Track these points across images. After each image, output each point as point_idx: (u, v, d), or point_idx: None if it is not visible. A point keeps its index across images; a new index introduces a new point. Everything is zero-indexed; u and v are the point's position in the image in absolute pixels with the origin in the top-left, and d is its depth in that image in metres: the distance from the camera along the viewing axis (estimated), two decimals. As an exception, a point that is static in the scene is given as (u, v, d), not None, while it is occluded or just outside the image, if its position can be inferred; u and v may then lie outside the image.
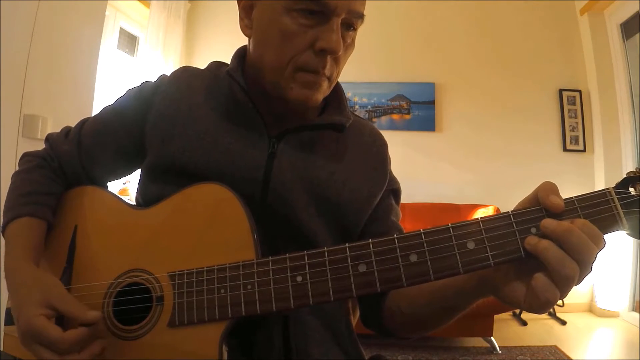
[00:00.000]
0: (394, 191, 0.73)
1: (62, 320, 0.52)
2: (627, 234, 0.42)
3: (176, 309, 0.51)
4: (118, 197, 0.65)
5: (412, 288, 0.55)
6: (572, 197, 0.43)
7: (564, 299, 2.82)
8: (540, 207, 0.43)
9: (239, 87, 0.62)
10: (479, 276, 0.48)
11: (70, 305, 0.52)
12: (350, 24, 0.58)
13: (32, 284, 0.54)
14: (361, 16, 0.59)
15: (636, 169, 0.44)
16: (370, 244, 0.46)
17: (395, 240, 0.46)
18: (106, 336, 0.54)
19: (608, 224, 0.42)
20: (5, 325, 0.61)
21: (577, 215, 0.42)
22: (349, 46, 0.61)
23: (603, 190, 0.43)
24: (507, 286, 0.45)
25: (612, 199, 0.42)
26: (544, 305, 0.41)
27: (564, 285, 0.40)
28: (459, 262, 0.44)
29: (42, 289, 0.53)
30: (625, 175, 0.43)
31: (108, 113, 0.71)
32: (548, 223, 0.41)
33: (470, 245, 0.44)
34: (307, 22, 0.56)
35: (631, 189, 0.42)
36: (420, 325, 0.62)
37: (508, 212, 0.44)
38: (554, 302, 0.41)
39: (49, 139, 0.73)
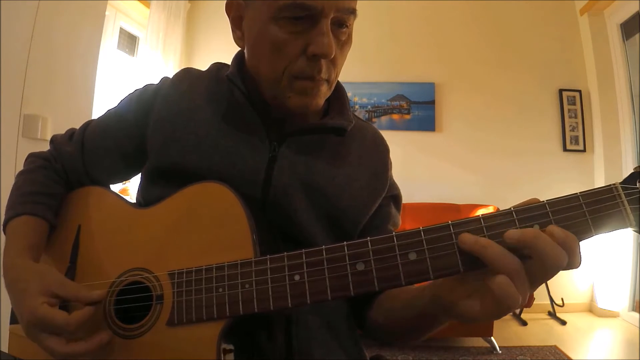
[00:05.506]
0: (394, 197, 0.72)
1: (66, 309, 0.52)
2: (634, 231, 0.40)
3: (175, 307, 0.51)
4: (121, 197, 0.65)
5: (388, 299, 0.56)
6: (576, 193, 0.41)
7: (564, 300, 2.84)
8: (543, 203, 0.42)
9: (239, 91, 0.62)
10: (431, 294, 0.48)
11: (71, 288, 0.53)
12: (342, 21, 0.56)
13: (28, 276, 0.54)
14: (352, 12, 0.57)
15: None
16: (369, 242, 0.45)
17: (394, 238, 0.45)
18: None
19: (614, 220, 0.40)
20: (10, 324, 0.61)
21: (582, 212, 0.40)
22: (345, 43, 0.59)
23: (609, 185, 0.40)
24: (461, 301, 0.44)
25: (619, 194, 0.40)
26: (504, 301, 0.39)
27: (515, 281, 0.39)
28: (459, 261, 0.42)
29: (39, 279, 0.53)
30: (632, 170, 0.41)
31: (111, 116, 0.72)
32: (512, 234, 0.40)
33: None
34: (296, 28, 0.54)
35: (639, 184, 0.40)
36: (394, 335, 0.65)
37: (510, 208, 0.42)
38: (515, 298, 0.39)
39: (54, 140, 0.74)
